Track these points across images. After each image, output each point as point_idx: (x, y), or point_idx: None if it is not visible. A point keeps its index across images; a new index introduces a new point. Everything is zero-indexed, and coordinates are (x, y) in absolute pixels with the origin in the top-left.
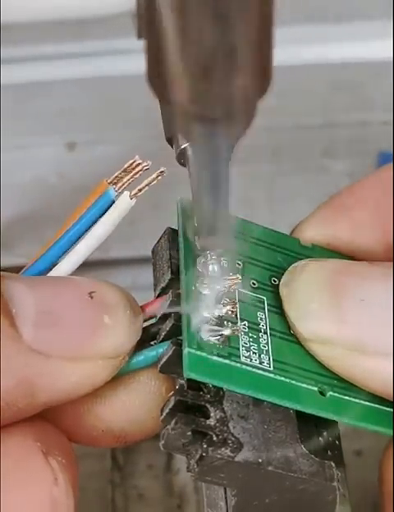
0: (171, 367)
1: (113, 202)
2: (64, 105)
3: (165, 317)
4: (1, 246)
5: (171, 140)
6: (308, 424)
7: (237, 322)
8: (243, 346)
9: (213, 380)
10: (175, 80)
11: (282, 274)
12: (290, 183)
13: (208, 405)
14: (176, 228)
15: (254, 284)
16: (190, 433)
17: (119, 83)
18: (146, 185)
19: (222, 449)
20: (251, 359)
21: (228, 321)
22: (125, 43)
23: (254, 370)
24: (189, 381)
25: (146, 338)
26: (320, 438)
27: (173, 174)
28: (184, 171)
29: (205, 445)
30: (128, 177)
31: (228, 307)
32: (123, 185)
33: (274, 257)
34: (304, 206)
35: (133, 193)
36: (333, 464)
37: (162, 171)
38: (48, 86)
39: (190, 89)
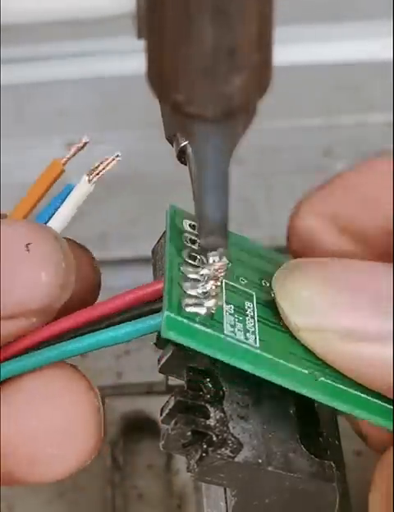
0: (172, 368)
1: (71, 186)
2: (64, 105)
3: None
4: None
5: (171, 140)
6: (308, 424)
7: (222, 296)
8: (227, 322)
9: (193, 342)
10: (175, 79)
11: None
12: (290, 183)
13: (207, 406)
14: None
15: (243, 281)
16: (189, 433)
17: (119, 83)
18: (103, 169)
19: (222, 449)
20: (236, 334)
21: (212, 297)
22: (125, 43)
23: (238, 343)
24: (188, 382)
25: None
26: (320, 438)
27: (173, 174)
28: (184, 172)
29: (205, 446)
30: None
31: (212, 281)
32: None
33: (265, 266)
34: None
35: (91, 177)
36: (333, 464)
37: (117, 156)
38: (48, 86)
39: (190, 89)
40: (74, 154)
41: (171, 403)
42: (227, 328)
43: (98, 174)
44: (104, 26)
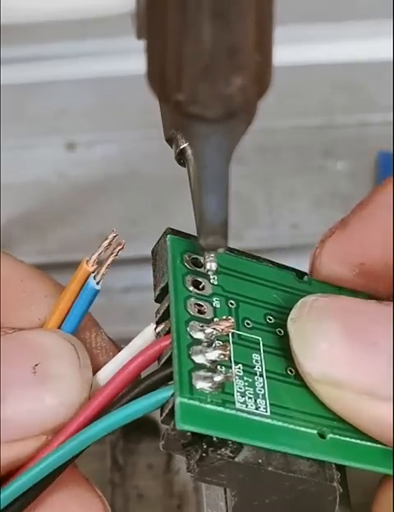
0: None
1: (96, 291)
2: (64, 105)
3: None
4: (1, 246)
5: (171, 140)
6: None
7: (231, 366)
8: (238, 391)
9: (208, 430)
10: (175, 80)
11: (278, 312)
12: (290, 183)
13: None
14: (176, 229)
15: (248, 324)
16: (189, 434)
17: (119, 83)
18: (108, 266)
19: (222, 449)
20: (247, 405)
21: (221, 365)
22: (125, 43)
23: (250, 416)
24: None
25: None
26: None
27: (173, 174)
28: (184, 171)
29: (205, 446)
30: (107, 262)
31: (220, 351)
32: (105, 268)
33: (269, 293)
34: (304, 206)
35: (98, 278)
36: (333, 464)
37: (122, 246)
38: (48, 86)
39: (190, 89)
40: (102, 252)
41: (171, 403)
42: (238, 399)
43: (103, 274)
44: (104, 26)
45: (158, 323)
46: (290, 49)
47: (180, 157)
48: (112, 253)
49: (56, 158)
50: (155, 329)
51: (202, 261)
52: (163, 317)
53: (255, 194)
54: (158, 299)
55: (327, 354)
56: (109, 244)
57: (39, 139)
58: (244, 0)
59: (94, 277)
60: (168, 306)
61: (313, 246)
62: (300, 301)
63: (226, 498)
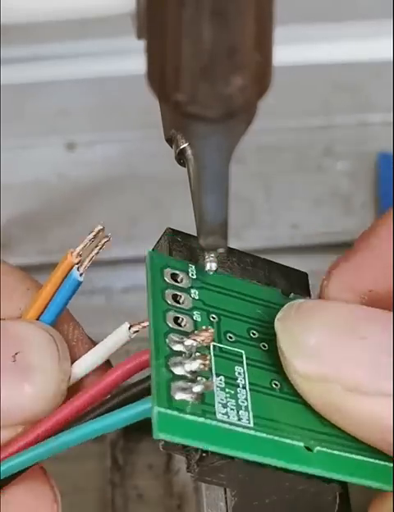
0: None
1: (78, 283)
2: (64, 105)
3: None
4: (1, 246)
5: (171, 140)
6: None
7: (212, 378)
8: (219, 402)
9: (187, 440)
10: (175, 79)
11: (262, 326)
12: (290, 183)
13: None
14: (176, 229)
15: (230, 338)
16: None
17: (119, 83)
18: (92, 258)
19: None
20: (229, 416)
21: (202, 376)
22: (125, 43)
23: (232, 427)
24: None
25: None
26: None
27: (173, 174)
28: (183, 171)
29: None
30: (91, 254)
31: (199, 360)
32: (89, 259)
33: (253, 309)
34: (304, 206)
35: (81, 270)
36: None
37: (108, 239)
38: (48, 86)
39: (190, 89)
40: (86, 245)
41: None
42: (219, 410)
43: (88, 264)
44: (104, 26)
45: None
46: (290, 49)
47: (181, 157)
48: (96, 246)
49: (56, 158)
50: (129, 328)
51: (180, 278)
52: None
53: (255, 194)
54: None
55: (314, 349)
56: (94, 236)
57: (39, 139)
58: (244, 0)
59: (78, 269)
60: None
61: (313, 246)
62: (286, 304)
63: (226, 498)
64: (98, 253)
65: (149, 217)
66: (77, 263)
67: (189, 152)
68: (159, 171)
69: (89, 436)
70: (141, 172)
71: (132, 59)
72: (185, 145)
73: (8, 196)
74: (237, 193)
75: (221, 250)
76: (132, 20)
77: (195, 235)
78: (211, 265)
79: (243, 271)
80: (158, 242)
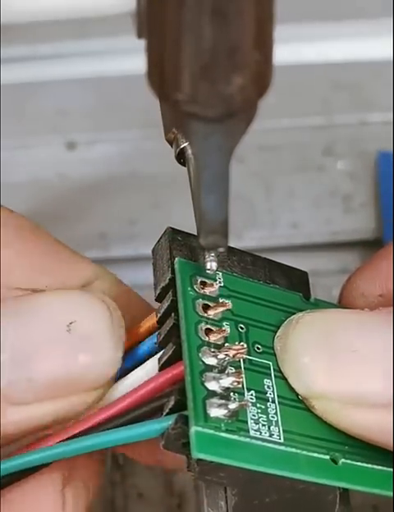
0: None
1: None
2: (64, 104)
3: (170, 392)
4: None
5: (171, 140)
6: None
7: (244, 393)
8: (251, 419)
9: (224, 459)
10: (175, 79)
11: None
12: (290, 182)
13: None
14: (177, 228)
15: (258, 348)
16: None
17: (119, 83)
18: None
19: None
20: (261, 432)
21: (235, 391)
22: (125, 43)
23: (264, 444)
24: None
25: (151, 412)
26: None
27: (173, 174)
28: (184, 171)
29: None
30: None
31: (233, 377)
32: None
33: (277, 317)
34: (304, 205)
35: None
36: None
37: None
38: (48, 86)
39: (190, 89)
40: None
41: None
42: (252, 427)
43: None
44: (104, 26)
45: (159, 322)
46: (290, 49)
47: (181, 157)
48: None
49: (56, 158)
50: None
51: (209, 283)
52: (164, 317)
53: (255, 193)
54: (159, 299)
55: (309, 367)
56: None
57: (39, 138)
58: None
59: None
60: (168, 306)
61: (313, 245)
62: (287, 319)
63: (226, 497)
64: None
65: (149, 216)
66: None
67: (189, 151)
68: (159, 171)
69: (96, 447)
70: (141, 172)
71: (132, 59)
72: (186, 145)
73: (8, 196)
74: (237, 193)
75: (221, 250)
76: (132, 19)
77: (195, 234)
78: (211, 264)
79: (243, 270)
80: (158, 241)
